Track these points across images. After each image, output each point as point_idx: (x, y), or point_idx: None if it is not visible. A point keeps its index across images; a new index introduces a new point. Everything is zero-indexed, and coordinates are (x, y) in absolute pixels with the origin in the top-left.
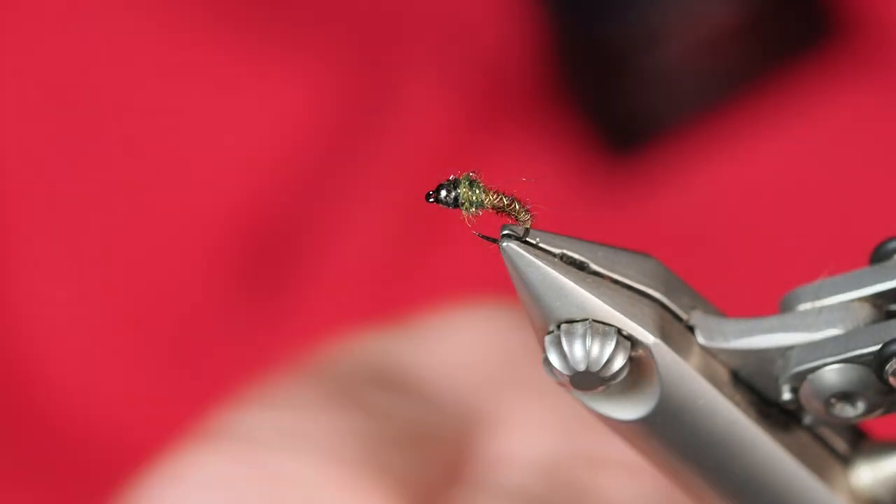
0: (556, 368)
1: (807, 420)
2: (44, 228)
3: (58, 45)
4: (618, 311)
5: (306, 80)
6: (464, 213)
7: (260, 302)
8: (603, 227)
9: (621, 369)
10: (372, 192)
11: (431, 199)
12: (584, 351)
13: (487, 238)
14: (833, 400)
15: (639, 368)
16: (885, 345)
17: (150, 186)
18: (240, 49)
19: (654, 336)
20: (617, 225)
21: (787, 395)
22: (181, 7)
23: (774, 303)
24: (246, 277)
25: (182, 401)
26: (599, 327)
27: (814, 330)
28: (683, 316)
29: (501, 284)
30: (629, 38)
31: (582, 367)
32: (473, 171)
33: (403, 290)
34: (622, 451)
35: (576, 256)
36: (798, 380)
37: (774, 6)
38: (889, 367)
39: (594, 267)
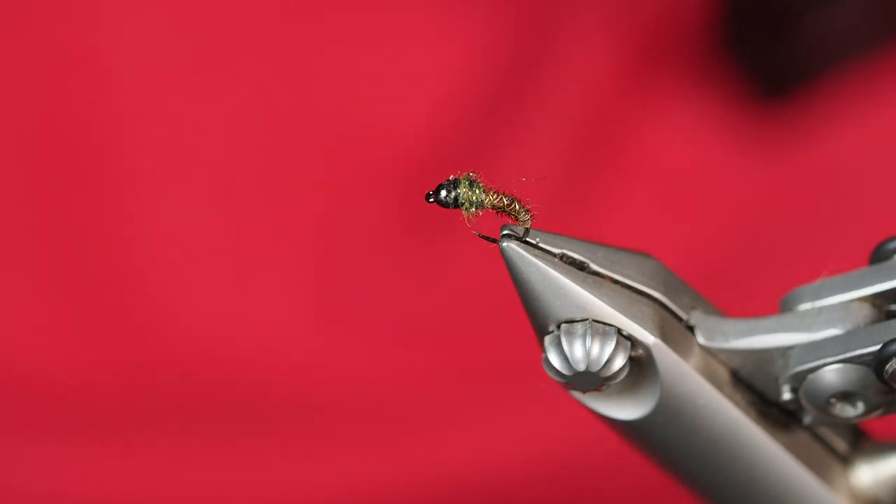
0: (556, 368)
1: (807, 420)
2: (189, 147)
3: None
4: (618, 311)
5: (469, 24)
6: (464, 213)
7: (417, 248)
8: (754, 175)
9: (621, 369)
10: (533, 138)
11: (431, 199)
12: (584, 351)
13: (487, 238)
14: (833, 400)
15: (639, 368)
16: (885, 345)
17: (311, 129)
18: None
19: (654, 336)
20: (768, 172)
21: (787, 395)
22: None
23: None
24: (402, 223)
25: (337, 340)
26: (599, 327)
27: (814, 330)
28: (683, 316)
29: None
30: None
31: (582, 367)
32: (473, 171)
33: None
34: None
35: (576, 256)
36: (798, 380)
37: None
38: (889, 367)
39: (594, 267)
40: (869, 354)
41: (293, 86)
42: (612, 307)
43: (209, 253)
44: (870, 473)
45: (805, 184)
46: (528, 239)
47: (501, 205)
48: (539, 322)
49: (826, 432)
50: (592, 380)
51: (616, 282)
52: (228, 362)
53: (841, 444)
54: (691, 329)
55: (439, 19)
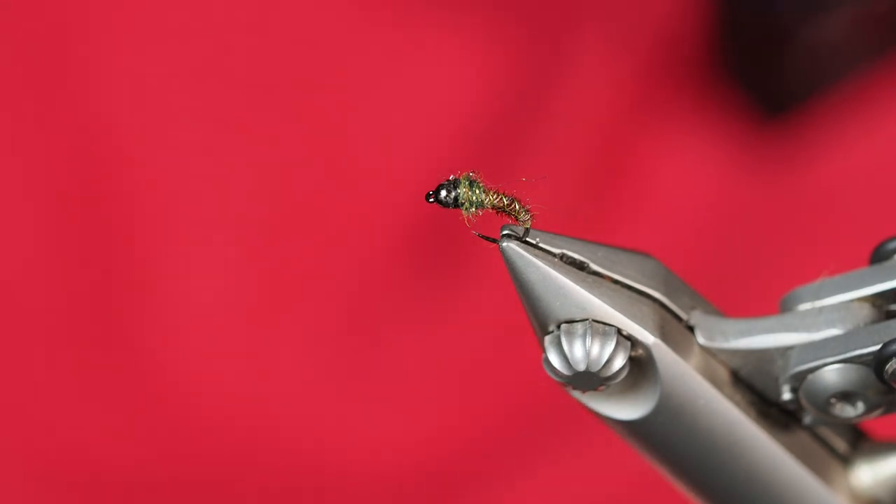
0: (556, 368)
1: (807, 420)
2: (201, 216)
3: (208, 20)
4: (618, 311)
5: (475, 53)
6: (464, 213)
7: (432, 284)
8: (760, 194)
9: (621, 369)
10: (542, 165)
11: (431, 199)
12: (584, 351)
13: (487, 238)
14: (833, 400)
15: (639, 368)
16: (885, 345)
17: (314, 167)
18: (408, 20)
19: (654, 336)
20: (774, 191)
21: (787, 395)
22: None
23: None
24: (414, 259)
25: (351, 394)
26: (599, 327)
27: (814, 330)
28: (683, 316)
29: None
30: (793, 10)
31: (582, 367)
32: (473, 171)
33: None
34: None
35: (576, 256)
36: (798, 380)
37: None
38: (889, 367)
39: (594, 267)
40: (869, 354)
41: (296, 144)
42: (612, 307)
43: (222, 323)
44: (870, 473)
45: (811, 200)
46: (528, 239)
47: (501, 205)
48: (539, 322)
49: (826, 432)
50: (592, 380)
51: (616, 282)
52: (248, 436)
53: (841, 444)
54: (691, 329)
55: (434, 48)
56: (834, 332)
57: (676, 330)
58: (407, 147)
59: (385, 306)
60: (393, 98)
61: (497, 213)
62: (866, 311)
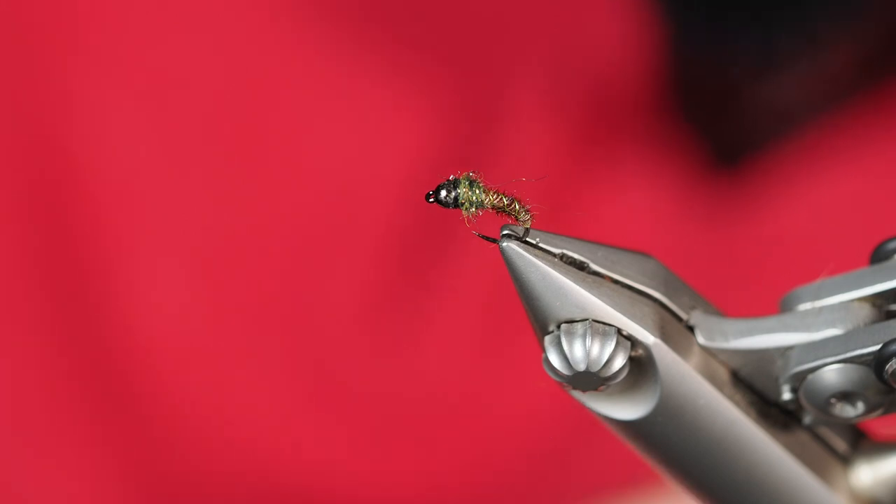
0: (556, 368)
1: (807, 420)
2: (161, 237)
3: (169, 49)
4: (618, 311)
5: (410, 104)
6: (464, 213)
7: (405, 299)
8: (709, 242)
9: (621, 369)
10: (485, 216)
11: (431, 200)
12: (584, 351)
13: (487, 238)
14: (833, 400)
15: (639, 368)
16: (885, 345)
17: (275, 186)
18: (341, 76)
19: (654, 336)
20: (720, 241)
21: (787, 395)
22: (283, 24)
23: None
24: (385, 275)
25: (322, 409)
26: (599, 327)
27: (814, 330)
28: (683, 316)
29: None
30: (747, 64)
31: (582, 367)
32: (473, 171)
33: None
34: None
35: (576, 256)
36: (798, 380)
37: (892, 38)
38: (889, 367)
39: (594, 267)
40: (869, 354)
41: (263, 172)
42: (612, 307)
43: (189, 338)
44: (870, 473)
45: (759, 249)
46: (528, 239)
47: (501, 205)
48: (539, 322)
49: (826, 432)
50: (592, 380)
51: (616, 282)
52: (216, 448)
53: (841, 444)
54: (691, 329)
55: (370, 99)
56: (834, 332)
57: (676, 330)
58: (359, 190)
59: (356, 323)
60: (346, 145)
61: (497, 213)
62: (866, 311)
